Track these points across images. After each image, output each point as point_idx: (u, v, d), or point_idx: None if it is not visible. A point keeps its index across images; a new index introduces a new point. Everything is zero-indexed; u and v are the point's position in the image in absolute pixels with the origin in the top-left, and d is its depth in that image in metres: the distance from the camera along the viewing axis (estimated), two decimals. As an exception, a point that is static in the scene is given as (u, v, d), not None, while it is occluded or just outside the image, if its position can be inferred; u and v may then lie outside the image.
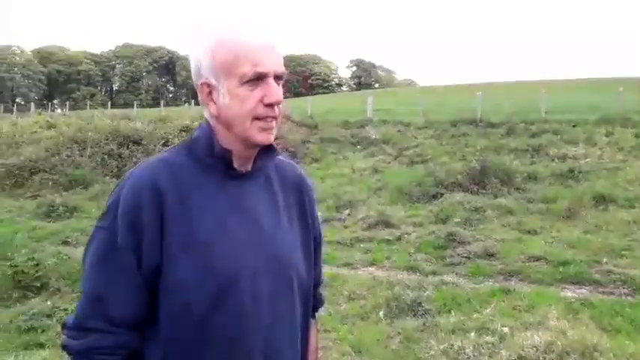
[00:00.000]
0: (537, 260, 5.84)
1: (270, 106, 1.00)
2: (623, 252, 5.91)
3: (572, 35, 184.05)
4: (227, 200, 1.03)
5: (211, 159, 1.04)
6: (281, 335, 1.06)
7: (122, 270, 0.98)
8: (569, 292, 4.95)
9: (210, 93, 1.02)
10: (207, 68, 1.00)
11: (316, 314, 1.28)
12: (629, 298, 4.76)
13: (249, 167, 1.07)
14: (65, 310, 4.46)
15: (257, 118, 1.00)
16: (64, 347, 1.00)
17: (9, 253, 5.03)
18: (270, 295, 1.03)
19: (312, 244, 1.18)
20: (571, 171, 9.22)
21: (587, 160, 10.03)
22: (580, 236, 6.45)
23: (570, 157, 10.38)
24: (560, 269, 5.46)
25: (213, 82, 1.00)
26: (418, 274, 5.74)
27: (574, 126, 12.87)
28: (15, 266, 4.70)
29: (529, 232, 6.91)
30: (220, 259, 0.99)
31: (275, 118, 1.02)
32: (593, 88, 21.01)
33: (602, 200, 7.73)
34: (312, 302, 1.20)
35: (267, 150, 1.08)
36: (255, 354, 1.02)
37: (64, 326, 1.02)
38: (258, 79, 0.98)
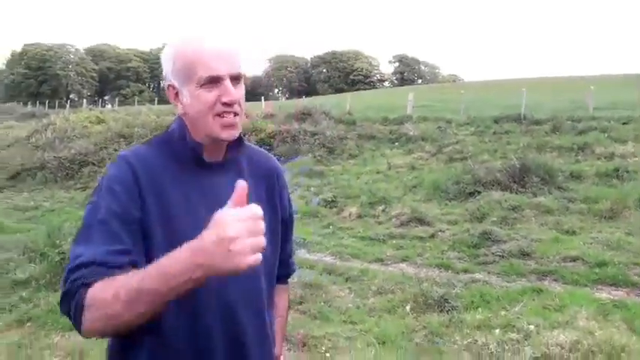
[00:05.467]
0: (574, 261, 5.70)
1: (227, 104, 1.11)
2: (667, 254, 5.68)
3: (623, 29, 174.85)
4: (197, 189, 1.14)
5: (183, 151, 1.15)
6: (243, 311, 1.15)
7: (105, 227, 1.04)
8: (604, 294, 4.82)
9: (176, 94, 1.15)
10: (171, 73, 1.14)
11: (288, 280, 1.44)
12: (668, 301, 4.59)
13: (220, 158, 1.18)
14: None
15: (217, 115, 1.11)
16: (59, 302, 1.02)
17: (57, 241, 5.37)
18: (234, 277, 1.09)
19: (280, 225, 1.28)
20: (616, 170, 8.87)
21: (635, 159, 9.61)
22: (621, 237, 6.22)
23: (618, 155, 9.95)
24: (597, 270, 5.31)
25: (177, 85, 1.13)
26: (449, 271, 5.73)
27: (624, 123, 12.32)
28: (62, 253, 5.01)
29: (567, 232, 6.73)
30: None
31: (236, 114, 1.12)
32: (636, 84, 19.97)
33: (647, 201, 7.41)
34: (285, 271, 1.35)
35: (237, 142, 1.18)
36: (215, 329, 1.11)
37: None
38: (213, 82, 1.10)
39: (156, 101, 40.76)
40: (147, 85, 78.15)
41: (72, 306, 0.96)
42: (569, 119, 12.93)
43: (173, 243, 0.98)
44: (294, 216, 1.42)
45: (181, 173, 1.14)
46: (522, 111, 14.21)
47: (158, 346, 1.08)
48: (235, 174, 1.18)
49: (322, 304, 4.68)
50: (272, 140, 14.04)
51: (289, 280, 1.46)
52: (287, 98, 65.29)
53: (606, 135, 11.21)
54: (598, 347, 3.54)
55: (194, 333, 1.10)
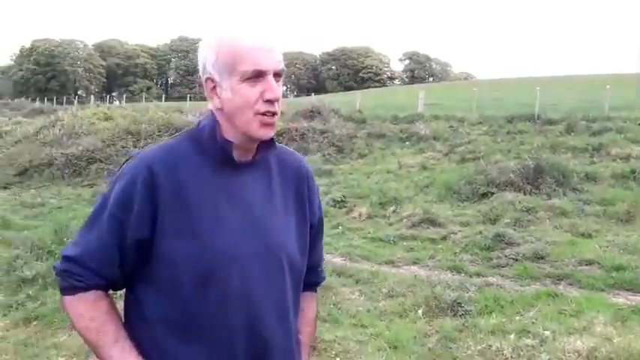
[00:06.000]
0: (589, 264, 5.58)
1: (270, 102, 1.07)
2: (687, 259, 5.52)
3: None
4: (223, 189, 1.11)
5: (213, 148, 1.12)
6: (268, 313, 1.14)
7: (105, 232, 1.10)
8: (621, 299, 4.69)
9: (214, 88, 1.11)
10: (212, 66, 1.10)
11: (317, 288, 1.40)
12: (689, 307, 4.45)
13: (249, 157, 1.15)
14: (113, 293, 4.69)
15: (257, 113, 1.08)
16: (53, 267, 1.17)
17: (64, 239, 5.33)
18: (259, 278, 1.12)
19: (308, 230, 1.24)
20: (633, 172, 8.69)
21: (652, 160, 9.41)
22: (638, 241, 6.08)
23: (634, 157, 9.76)
24: (614, 274, 5.19)
25: (216, 78, 1.10)
26: (462, 274, 5.61)
27: (640, 124, 12.09)
28: (70, 251, 4.95)
29: (583, 234, 6.59)
30: (211, 245, 1.07)
31: (275, 113, 1.09)
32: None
33: (665, 204, 7.24)
34: (313, 279, 1.32)
35: (268, 142, 1.15)
36: (239, 331, 1.10)
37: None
38: (258, 76, 1.07)
39: (163, 98, 40.87)
40: (154, 81, 78.39)
41: (59, 282, 1.14)
42: (583, 119, 12.72)
43: (198, 245, 1.06)
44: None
45: (208, 172, 1.11)
46: (536, 110, 14.00)
47: (181, 345, 1.09)
48: (264, 174, 1.17)
49: (332, 306, 4.58)
50: (280, 138, 13.94)
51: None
52: (295, 96, 65.27)
53: (622, 136, 11.00)
54: (616, 354, 3.43)
55: (217, 335, 1.09)
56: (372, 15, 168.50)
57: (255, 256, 1.11)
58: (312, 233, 1.26)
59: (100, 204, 1.12)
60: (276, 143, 1.19)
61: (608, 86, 14.29)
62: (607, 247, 6.05)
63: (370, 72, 73.20)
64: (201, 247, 1.06)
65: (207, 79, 1.12)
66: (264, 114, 1.08)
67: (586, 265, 5.58)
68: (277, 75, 1.09)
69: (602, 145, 10.55)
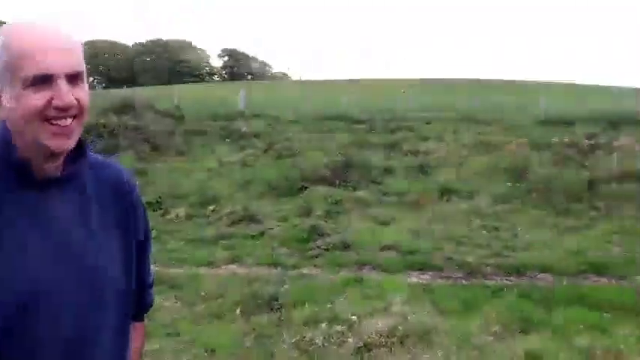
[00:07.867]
0: (389, 249, 6.23)
1: (59, 109, 0.93)
2: (462, 239, 6.56)
3: (426, 35, 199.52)
4: (26, 213, 0.95)
5: (6, 165, 0.96)
6: (88, 347, 1.01)
7: None
8: (415, 279, 5.36)
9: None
10: None
11: (144, 316, 1.26)
12: (463, 281, 5.30)
13: (57, 173, 1.00)
14: None
15: (47, 120, 0.92)
16: None
17: None
18: (77, 310, 0.99)
19: (134, 247, 1.12)
20: (422, 165, 10.04)
21: (435, 155, 10.99)
22: (426, 226, 7.02)
23: (422, 152, 11.29)
24: (408, 257, 5.88)
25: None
26: (280, 268, 5.79)
27: (427, 123, 14.03)
28: None
29: (383, 223, 7.36)
30: (15, 281, 0.92)
31: (72, 117, 0.94)
32: (448, 89, 23.12)
33: (446, 192, 8.53)
34: (139, 304, 1.18)
35: (77, 153, 1.01)
36: None
37: None
38: (44, 81, 0.91)
39: None
40: None
41: None
42: (383, 119, 14.25)
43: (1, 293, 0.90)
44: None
45: (4, 195, 0.94)
46: (345, 111, 15.23)
47: None
48: (75, 191, 1.01)
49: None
50: (86, 135, 12.64)
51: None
52: (104, 87, 60.07)
53: (413, 134, 12.63)
54: (412, 331, 3.87)
55: None
56: (191, 7, 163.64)
57: (70, 287, 0.97)
58: (139, 251, 1.14)
59: None
60: (90, 155, 1.05)
61: (403, 90, 16.26)
62: (402, 232, 6.86)
63: (188, 66, 71.07)
64: (4, 285, 0.90)
65: None
66: (53, 123, 0.93)
67: (386, 250, 6.23)
68: (74, 77, 0.94)
69: (397, 142, 11.96)
